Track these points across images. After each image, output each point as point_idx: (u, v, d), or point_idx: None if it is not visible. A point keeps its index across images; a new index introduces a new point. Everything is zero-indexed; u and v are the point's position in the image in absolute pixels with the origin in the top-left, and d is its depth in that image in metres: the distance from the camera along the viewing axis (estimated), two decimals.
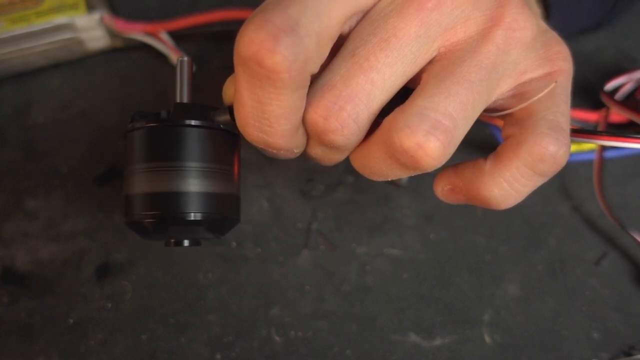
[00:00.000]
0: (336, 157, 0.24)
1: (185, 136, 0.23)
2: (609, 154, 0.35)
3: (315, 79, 0.21)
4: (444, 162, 0.21)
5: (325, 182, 0.35)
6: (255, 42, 0.19)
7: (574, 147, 0.35)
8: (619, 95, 0.36)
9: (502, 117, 0.24)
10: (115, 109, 0.38)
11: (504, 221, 0.34)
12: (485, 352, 0.31)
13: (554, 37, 0.24)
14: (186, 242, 0.25)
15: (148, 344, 0.31)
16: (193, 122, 0.23)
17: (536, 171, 0.22)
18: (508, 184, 0.22)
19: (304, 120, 0.21)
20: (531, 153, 0.22)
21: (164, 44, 0.38)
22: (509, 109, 0.23)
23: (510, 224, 0.34)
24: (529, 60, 0.23)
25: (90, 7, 0.37)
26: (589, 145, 0.35)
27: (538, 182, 0.23)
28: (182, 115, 0.23)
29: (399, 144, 0.20)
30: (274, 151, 0.22)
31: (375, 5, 0.22)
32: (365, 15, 0.22)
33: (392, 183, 0.35)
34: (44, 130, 0.37)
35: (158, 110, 0.24)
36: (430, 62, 0.22)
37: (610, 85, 0.36)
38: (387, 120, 0.21)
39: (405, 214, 0.35)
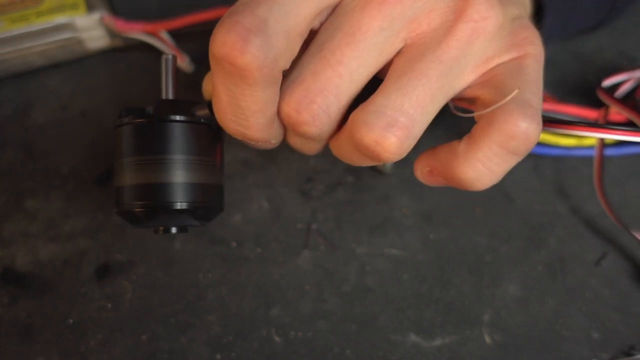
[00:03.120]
0: (315, 147, 0.26)
1: (169, 131, 0.25)
2: (609, 152, 0.35)
3: (288, 73, 0.22)
4: (404, 155, 0.22)
5: (325, 182, 0.35)
6: (226, 43, 0.20)
7: (573, 142, 0.35)
8: (617, 93, 0.36)
9: (472, 103, 0.24)
10: (115, 109, 0.37)
11: (504, 221, 0.34)
12: (485, 352, 0.31)
13: (522, 23, 0.24)
14: (174, 229, 0.26)
15: (148, 344, 0.31)
16: (177, 118, 0.25)
17: (509, 149, 0.22)
18: (482, 164, 0.22)
19: (278, 113, 0.23)
20: (501, 131, 0.22)
21: (164, 44, 0.38)
22: (479, 97, 0.23)
23: (510, 224, 0.34)
24: (494, 48, 0.23)
25: (90, 7, 0.37)
26: (590, 141, 0.35)
27: (512, 160, 0.23)
28: (165, 111, 0.25)
29: (359, 139, 0.22)
30: (253, 142, 0.24)
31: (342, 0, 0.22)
32: (334, 9, 0.22)
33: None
34: (44, 130, 0.37)
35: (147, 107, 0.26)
36: (398, 54, 0.23)
37: (608, 82, 0.36)
38: (351, 116, 0.22)
39: (405, 214, 0.35)
